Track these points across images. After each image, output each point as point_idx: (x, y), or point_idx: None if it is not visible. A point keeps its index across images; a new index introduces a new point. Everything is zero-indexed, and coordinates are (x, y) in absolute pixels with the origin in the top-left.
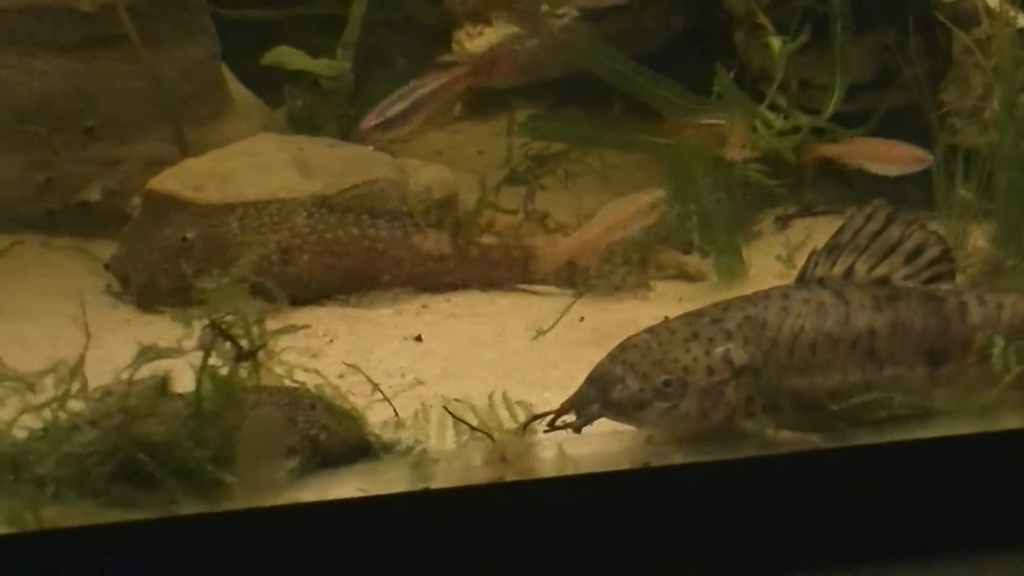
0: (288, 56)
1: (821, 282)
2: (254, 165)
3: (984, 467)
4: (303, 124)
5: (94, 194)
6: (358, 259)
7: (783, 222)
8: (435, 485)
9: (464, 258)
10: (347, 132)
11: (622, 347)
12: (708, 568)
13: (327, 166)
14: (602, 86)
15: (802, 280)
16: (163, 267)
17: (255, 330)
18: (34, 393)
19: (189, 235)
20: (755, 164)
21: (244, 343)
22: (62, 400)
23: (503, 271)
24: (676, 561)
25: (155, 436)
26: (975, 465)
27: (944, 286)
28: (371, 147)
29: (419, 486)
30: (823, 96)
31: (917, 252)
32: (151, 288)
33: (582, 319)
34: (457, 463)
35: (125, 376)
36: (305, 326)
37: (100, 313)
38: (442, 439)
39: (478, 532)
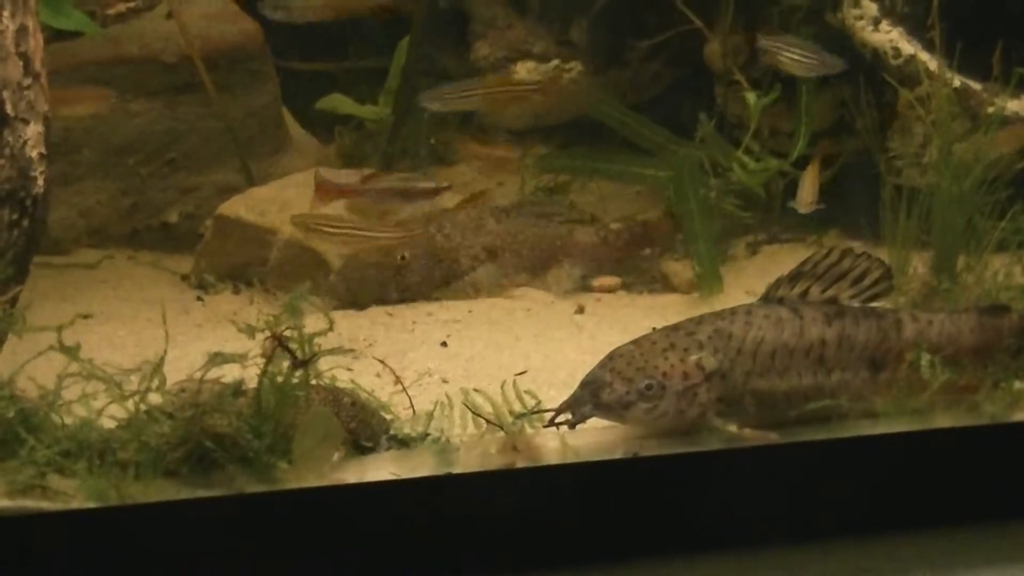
0: (339, 102)
1: (780, 301)
2: (309, 194)
3: (917, 460)
4: (350, 158)
5: (173, 216)
6: (540, 251)
7: (753, 248)
8: (456, 470)
9: (606, 244)
10: (388, 166)
11: (610, 356)
12: (685, 540)
13: None
14: (601, 128)
15: (765, 299)
16: (379, 280)
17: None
18: (120, 388)
19: (406, 254)
20: (731, 198)
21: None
22: (143, 395)
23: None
24: (660, 534)
25: (221, 428)
26: (910, 458)
27: (884, 302)
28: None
29: (443, 471)
30: (790, 142)
31: (862, 276)
32: (361, 297)
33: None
34: (475, 451)
35: (197, 376)
36: (350, 349)
37: (175, 319)
38: (463, 430)
39: (493, 511)
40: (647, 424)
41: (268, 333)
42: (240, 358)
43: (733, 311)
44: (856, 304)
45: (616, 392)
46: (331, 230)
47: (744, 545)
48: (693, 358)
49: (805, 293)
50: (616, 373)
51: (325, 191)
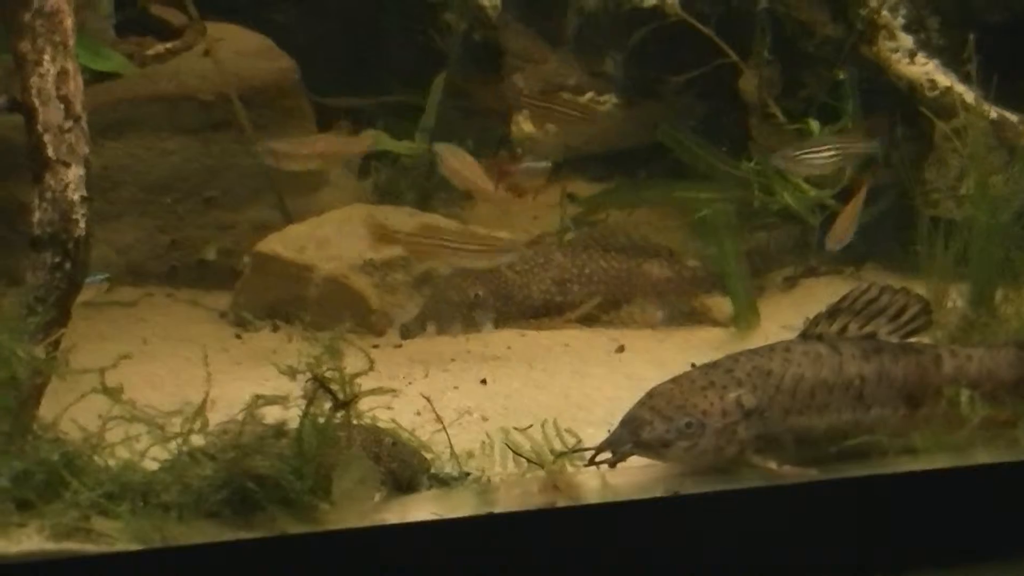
0: (376, 138)
1: (819, 337)
2: (347, 231)
3: (957, 496)
4: (386, 194)
5: (211, 253)
6: (610, 286)
7: (791, 282)
8: (497, 510)
9: (680, 279)
10: (423, 203)
11: (650, 395)
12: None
13: None
14: (631, 158)
15: (803, 336)
16: (454, 316)
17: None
18: (162, 430)
19: (480, 292)
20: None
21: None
22: (186, 437)
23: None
24: (697, 571)
25: (262, 469)
26: (950, 494)
27: (923, 337)
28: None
29: (483, 511)
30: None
31: (900, 312)
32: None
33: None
34: (515, 490)
35: (239, 418)
36: (392, 389)
37: (214, 356)
38: (503, 468)
39: (534, 551)
40: (687, 462)
41: (309, 375)
42: (282, 400)
43: (772, 348)
44: (895, 340)
45: (656, 431)
46: (432, 244)
47: None
48: (732, 395)
49: (844, 329)
50: (656, 411)
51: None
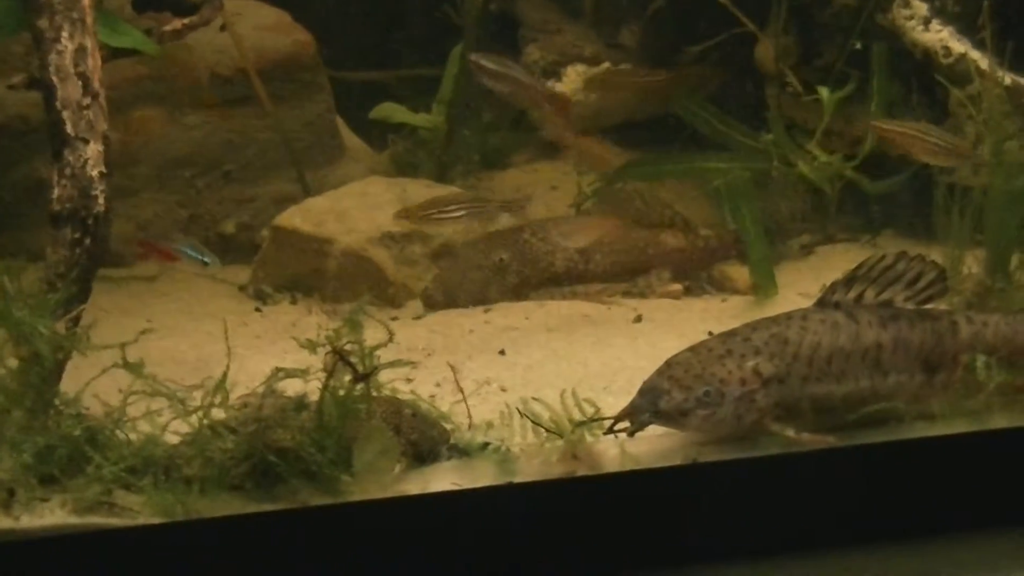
0: (393, 111)
1: (836, 305)
2: (366, 204)
3: (974, 461)
4: (404, 166)
5: (230, 227)
6: (631, 255)
7: (808, 249)
8: (517, 479)
9: (694, 248)
10: (441, 174)
11: (668, 364)
12: (742, 545)
13: None
14: (646, 128)
15: (820, 304)
16: (479, 282)
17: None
18: (184, 405)
19: (505, 256)
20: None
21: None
22: (207, 411)
23: (715, 255)
24: (716, 538)
25: (284, 442)
26: (968, 458)
27: (939, 304)
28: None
29: (504, 480)
30: (843, 142)
31: (917, 279)
32: (458, 298)
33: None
34: (535, 460)
35: (260, 391)
36: (411, 362)
37: (234, 330)
38: (523, 439)
39: (554, 520)
40: (706, 430)
41: (329, 348)
42: (302, 373)
43: (789, 316)
44: (911, 306)
45: (675, 400)
46: (441, 216)
47: (806, 548)
48: (750, 364)
49: (860, 296)
50: (674, 381)
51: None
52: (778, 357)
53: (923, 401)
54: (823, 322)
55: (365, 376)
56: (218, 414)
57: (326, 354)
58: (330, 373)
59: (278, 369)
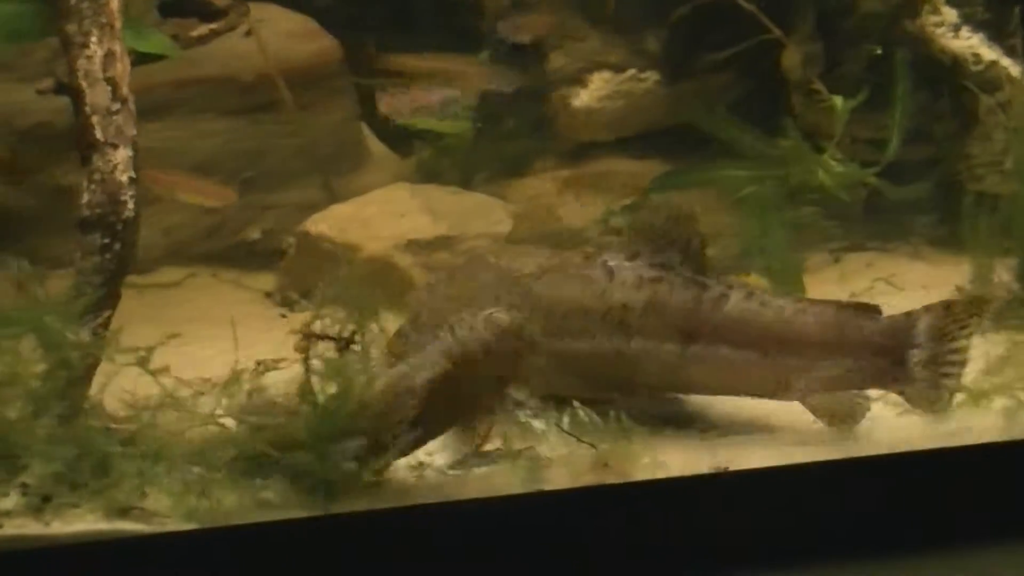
0: (418, 118)
1: (604, 263)
2: (390, 211)
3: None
4: (429, 173)
5: (255, 234)
6: None
7: (835, 255)
8: (548, 487)
9: None
10: (467, 181)
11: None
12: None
13: (452, 211)
14: (668, 137)
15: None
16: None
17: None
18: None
19: None
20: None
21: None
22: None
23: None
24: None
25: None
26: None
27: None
28: None
29: (535, 488)
30: (868, 150)
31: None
32: None
33: None
34: (566, 468)
35: (247, 387)
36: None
37: (259, 337)
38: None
39: (584, 526)
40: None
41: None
42: (282, 363)
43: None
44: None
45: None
46: None
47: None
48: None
49: (635, 255)
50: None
51: None
52: (516, 309)
53: (678, 372)
54: (576, 277)
55: (349, 340)
56: (231, 417)
57: (298, 339)
58: (305, 354)
59: (259, 362)
